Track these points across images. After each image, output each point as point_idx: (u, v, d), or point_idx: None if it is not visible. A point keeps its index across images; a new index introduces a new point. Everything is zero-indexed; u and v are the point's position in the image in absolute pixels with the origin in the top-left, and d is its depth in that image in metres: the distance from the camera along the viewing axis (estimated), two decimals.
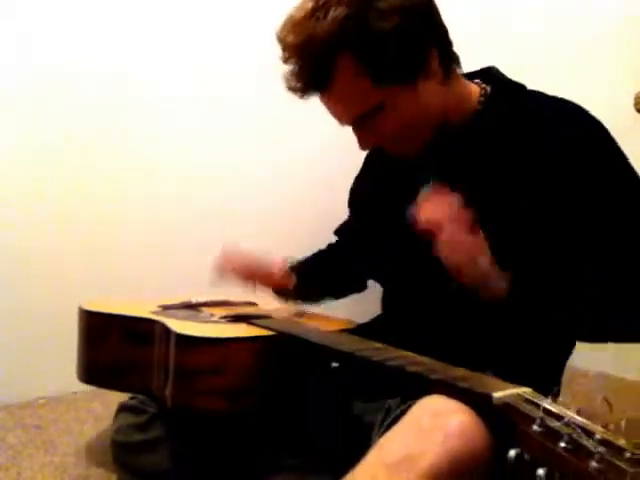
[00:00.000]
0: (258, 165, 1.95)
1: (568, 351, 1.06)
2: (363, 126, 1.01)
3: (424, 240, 1.08)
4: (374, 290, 1.27)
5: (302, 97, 1.00)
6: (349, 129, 1.05)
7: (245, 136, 1.93)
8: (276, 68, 0.99)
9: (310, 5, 0.94)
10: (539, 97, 1.04)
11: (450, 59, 1.02)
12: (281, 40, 0.97)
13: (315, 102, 1.01)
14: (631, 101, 1.68)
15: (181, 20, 1.83)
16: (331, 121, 1.05)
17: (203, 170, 1.87)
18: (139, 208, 1.80)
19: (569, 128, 0.98)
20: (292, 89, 0.99)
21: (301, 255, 1.38)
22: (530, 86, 1.07)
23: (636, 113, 1.69)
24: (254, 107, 1.91)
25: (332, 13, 0.91)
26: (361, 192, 1.26)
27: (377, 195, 1.18)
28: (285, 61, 0.98)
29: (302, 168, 2.00)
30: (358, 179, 1.28)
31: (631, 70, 1.72)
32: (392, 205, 1.13)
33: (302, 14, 0.94)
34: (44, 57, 1.65)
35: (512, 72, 1.09)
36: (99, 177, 1.75)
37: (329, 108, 1.02)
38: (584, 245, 0.97)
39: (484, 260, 0.91)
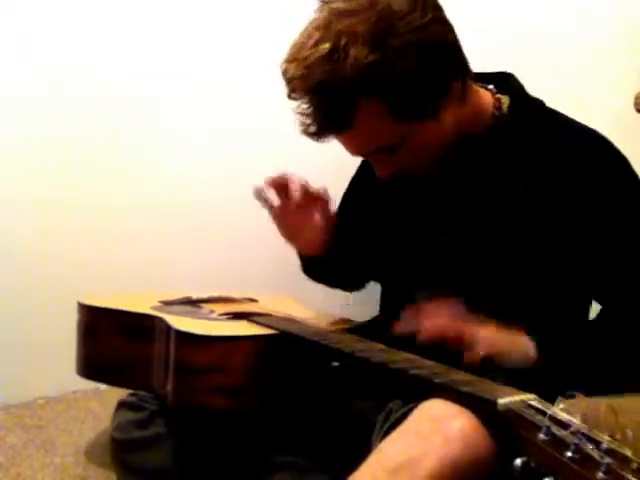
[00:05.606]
0: (262, 165, 1.93)
1: None
2: (381, 158, 0.99)
3: (424, 241, 1.09)
4: (374, 290, 1.27)
5: (318, 140, 0.96)
6: None
7: (247, 137, 1.92)
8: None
9: (325, 45, 0.86)
10: (561, 121, 1.02)
11: (467, 81, 0.98)
12: (291, 79, 0.91)
13: None
14: (631, 101, 1.68)
15: (183, 20, 1.82)
16: None
17: (205, 169, 1.86)
18: (140, 205, 1.79)
19: (590, 161, 0.97)
20: (307, 133, 0.94)
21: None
22: (531, 86, 1.06)
23: (636, 113, 1.69)
24: (259, 107, 1.90)
25: (352, 54, 0.85)
26: (362, 194, 1.25)
27: (379, 197, 1.17)
28: (294, 99, 0.93)
29: (308, 169, 1.98)
30: (354, 182, 1.28)
31: (631, 70, 1.72)
32: (394, 207, 1.13)
33: (316, 54, 0.87)
34: (44, 57, 1.63)
35: (513, 72, 1.09)
36: (99, 176, 1.74)
37: (345, 144, 0.98)
38: (593, 286, 0.99)
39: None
